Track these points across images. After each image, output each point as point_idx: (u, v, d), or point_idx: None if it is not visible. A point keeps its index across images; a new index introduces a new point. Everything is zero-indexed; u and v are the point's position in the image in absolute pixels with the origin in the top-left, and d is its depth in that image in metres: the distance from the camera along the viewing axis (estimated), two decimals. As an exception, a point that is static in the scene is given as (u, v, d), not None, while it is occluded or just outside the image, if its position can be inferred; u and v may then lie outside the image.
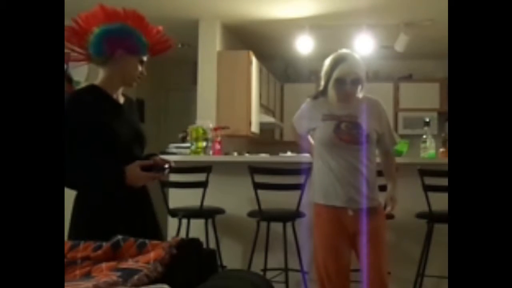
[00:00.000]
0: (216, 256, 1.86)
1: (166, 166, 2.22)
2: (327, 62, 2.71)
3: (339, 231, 2.68)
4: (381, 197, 2.80)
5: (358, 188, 2.65)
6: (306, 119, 2.84)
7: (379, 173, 2.84)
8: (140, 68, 2.27)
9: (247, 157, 4.70)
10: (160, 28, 2.32)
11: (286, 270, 3.63)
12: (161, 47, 2.34)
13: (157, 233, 2.26)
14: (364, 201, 2.66)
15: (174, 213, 3.88)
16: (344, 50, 2.74)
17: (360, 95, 2.72)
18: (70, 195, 2.09)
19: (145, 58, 2.28)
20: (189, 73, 7.03)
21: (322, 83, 2.74)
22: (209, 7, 5.36)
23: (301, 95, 7.30)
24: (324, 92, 2.72)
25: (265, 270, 3.72)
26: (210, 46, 5.74)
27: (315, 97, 2.80)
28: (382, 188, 2.84)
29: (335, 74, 2.64)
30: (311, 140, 2.88)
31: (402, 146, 3.96)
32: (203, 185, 3.72)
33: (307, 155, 3.45)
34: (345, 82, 2.63)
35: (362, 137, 2.66)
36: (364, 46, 5.80)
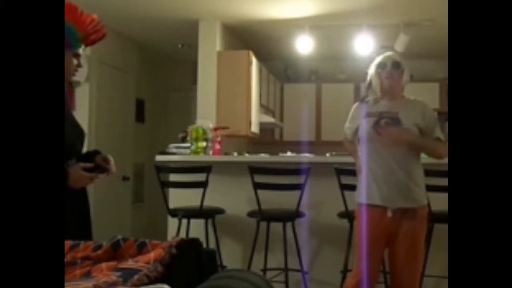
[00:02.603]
0: (216, 256, 1.86)
1: (108, 166, 2.29)
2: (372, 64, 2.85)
3: (377, 230, 2.71)
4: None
5: (395, 187, 2.67)
6: (352, 120, 2.91)
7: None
8: (75, 61, 2.27)
9: (247, 157, 4.70)
10: (94, 16, 2.28)
11: (286, 270, 3.64)
12: (96, 37, 2.30)
13: (88, 233, 2.27)
14: (401, 201, 2.67)
15: (174, 213, 3.88)
16: None
17: (405, 90, 2.82)
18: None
19: (80, 51, 2.27)
20: (189, 73, 7.02)
21: (368, 80, 2.85)
22: (209, 7, 5.35)
23: (301, 95, 7.39)
24: (370, 85, 2.82)
25: (265, 270, 3.72)
26: (210, 46, 5.73)
27: (362, 99, 2.89)
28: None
29: (376, 61, 2.79)
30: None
31: None
32: (203, 185, 3.72)
33: (307, 155, 3.46)
34: (386, 65, 2.75)
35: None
36: (364, 46, 5.79)
